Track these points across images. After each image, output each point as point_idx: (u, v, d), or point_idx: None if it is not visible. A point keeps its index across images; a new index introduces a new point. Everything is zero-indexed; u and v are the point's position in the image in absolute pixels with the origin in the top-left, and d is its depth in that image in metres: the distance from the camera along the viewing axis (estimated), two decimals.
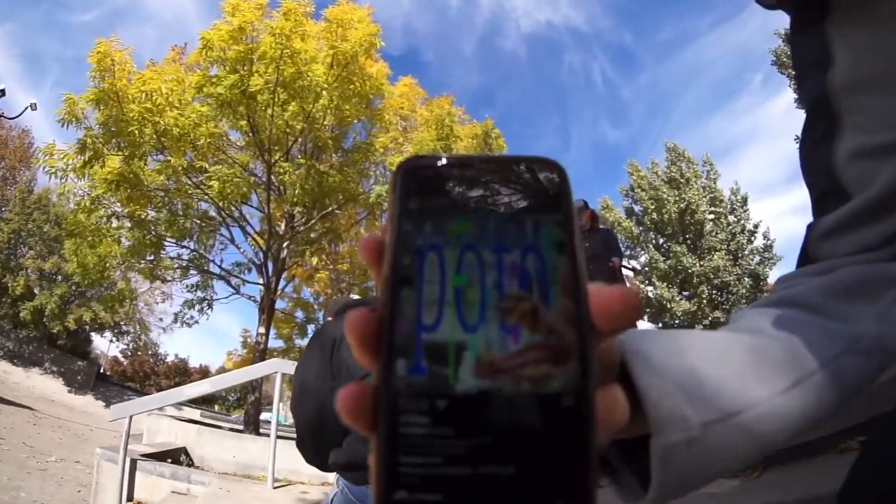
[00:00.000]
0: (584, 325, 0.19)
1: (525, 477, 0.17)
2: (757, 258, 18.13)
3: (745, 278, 17.61)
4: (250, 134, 8.41)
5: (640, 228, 19.30)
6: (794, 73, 0.62)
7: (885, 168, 0.44)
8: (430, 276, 0.19)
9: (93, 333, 23.16)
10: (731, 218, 18.54)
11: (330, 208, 9.23)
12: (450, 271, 0.19)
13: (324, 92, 7.77)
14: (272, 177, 8.51)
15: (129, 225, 8.60)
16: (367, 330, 0.19)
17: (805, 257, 0.49)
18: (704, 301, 17.49)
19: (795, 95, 16.85)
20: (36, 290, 19.83)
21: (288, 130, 8.18)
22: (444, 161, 0.21)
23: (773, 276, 18.58)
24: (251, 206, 9.81)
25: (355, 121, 9.09)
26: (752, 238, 18.40)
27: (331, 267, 11.29)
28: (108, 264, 8.83)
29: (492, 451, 0.17)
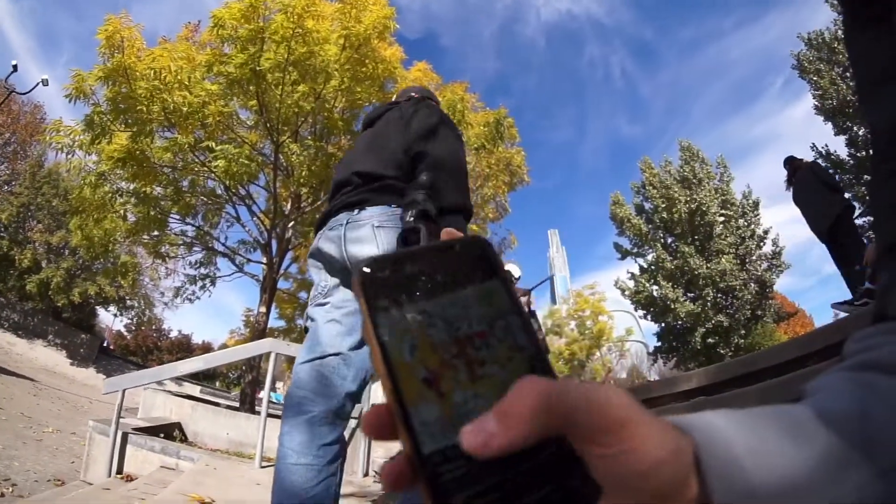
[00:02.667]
0: (538, 368, 0.23)
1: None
2: (765, 264, 17.96)
3: (752, 284, 17.47)
4: (260, 113, 8.37)
5: (650, 226, 19.19)
6: (857, 85, 0.50)
7: None
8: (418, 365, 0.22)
9: (98, 307, 23.37)
10: (742, 222, 18.35)
11: None
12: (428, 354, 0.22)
13: (335, 73, 7.69)
14: (280, 157, 8.47)
15: (134, 201, 8.60)
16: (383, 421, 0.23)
17: (882, 317, 0.40)
18: (709, 303, 17.37)
19: (816, 102, 16.55)
20: (43, 264, 20.01)
21: (297, 111, 8.10)
22: (394, 261, 0.24)
23: (779, 283, 18.40)
24: (258, 185, 9.79)
25: (366, 104, 9.01)
26: (762, 244, 18.22)
27: None
28: (112, 239, 8.87)
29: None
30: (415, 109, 1.93)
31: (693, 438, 0.24)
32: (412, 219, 1.49)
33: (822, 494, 0.25)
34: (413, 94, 2.23)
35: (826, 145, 16.00)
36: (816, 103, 16.35)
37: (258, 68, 7.42)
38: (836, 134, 15.92)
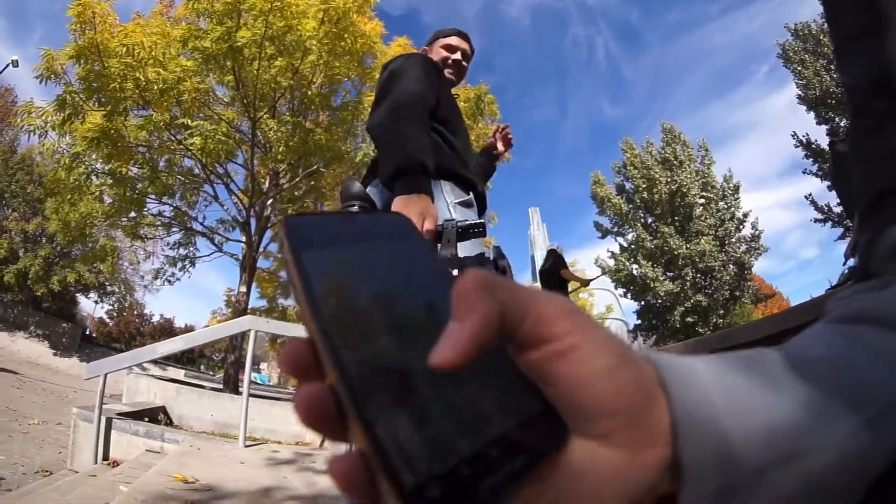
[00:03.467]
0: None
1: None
2: (743, 247, 18.24)
3: (731, 265, 17.76)
4: (236, 89, 8.20)
5: (630, 206, 19.32)
6: (833, 42, 0.48)
7: None
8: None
9: (78, 295, 22.95)
10: (722, 204, 18.57)
11: (315, 166, 9.06)
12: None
13: (313, 48, 7.55)
14: (257, 133, 8.35)
15: (110, 182, 8.42)
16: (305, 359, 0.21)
17: (864, 275, 0.38)
18: (688, 283, 17.62)
19: (799, 91, 16.66)
20: (20, 253, 19.51)
21: (274, 86, 7.97)
22: (321, 214, 0.26)
23: (757, 266, 18.75)
24: (236, 163, 9.66)
25: (345, 79, 8.87)
26: (741, 226, 18.48)
27: None
28: (89, 222, 8.70)
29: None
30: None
31: (656, 368, 0.22)
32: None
33: (801, 444, 0.22)
34: None
35: (807, 134, 16.25)
36: (800, 93, 16.50)
37: (235, 43, 7.25)
38: (818, 123, 16.11)
